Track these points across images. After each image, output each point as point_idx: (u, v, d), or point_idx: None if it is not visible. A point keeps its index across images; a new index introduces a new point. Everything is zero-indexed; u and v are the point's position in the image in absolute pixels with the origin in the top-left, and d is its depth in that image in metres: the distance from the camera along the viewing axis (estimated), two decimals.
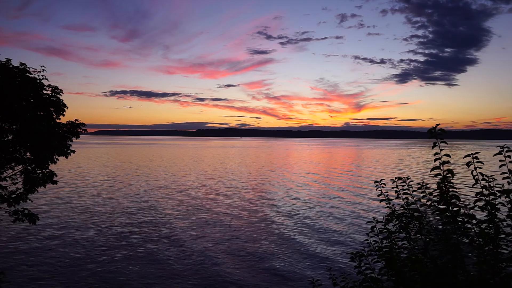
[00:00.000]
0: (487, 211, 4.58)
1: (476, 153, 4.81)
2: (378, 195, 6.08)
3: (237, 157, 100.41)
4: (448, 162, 5.04)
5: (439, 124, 4.94)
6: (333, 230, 23.02)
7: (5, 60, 12.32)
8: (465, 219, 4.83)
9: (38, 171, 12.73)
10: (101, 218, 25.55)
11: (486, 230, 4.53)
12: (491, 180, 4.72)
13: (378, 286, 5.22)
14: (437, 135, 4.96)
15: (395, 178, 5.94)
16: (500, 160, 4.64)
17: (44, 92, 12.90)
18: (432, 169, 5.05)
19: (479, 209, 4.69)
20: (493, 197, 4.62)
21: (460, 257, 4.60)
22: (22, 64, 12.55)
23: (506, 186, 4.58)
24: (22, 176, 12.69)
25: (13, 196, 12.65)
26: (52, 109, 12.94)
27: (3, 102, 11.41)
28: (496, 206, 4.57)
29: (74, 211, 27.42)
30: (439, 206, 4.98)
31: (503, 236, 4.50)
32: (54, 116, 13.07)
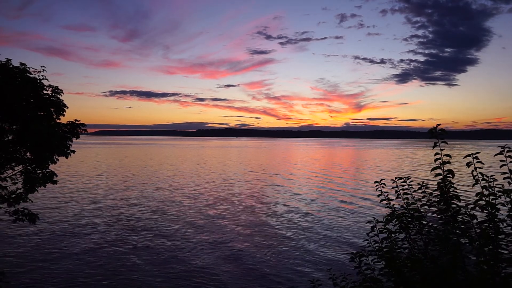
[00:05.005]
0: (487, 211, 4.59)
1: (476, 153, 4.82)
2: (378, 195, 6.08)
3: (235, 157, 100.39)
4: (448, 162, 5.05)
5: (439, 124, 4.95)
6: (333, 230, 23.03)
7: (5, 60, 12.34)
8: (465, 219, 4.85)
9: (38, 171, 12.74)
10: (101, 217, 25.55)
11: (486, 230, 4.54)
12: (491, 180, 4.73)
13: (378, 286, 5.22)
14: (437, 135, 4.97)
15: (395, 178, 5.94)
16: (501, 160, 4.66)
17: (44, 92, 12.92)
18: (432, 169, 5.06)
19: (479, 209, 4.70)
20: (493, 197, 4.63)
21: (460, 257, 4.62)
22: (22, 64, 12.56)
23: (507, 186, 4.60)
24: (22, 176, 12.71)
25: (13, 196, 12.66)
26: (52, 109, 12.96)
27: (3, 102, 11.41)
28: (496, 206, 4.58)
29: (74, 211, 27.41)
30: (439, 206, 4.99)
31: (503, 236, 4.51)
32: (54, 116, 13.08)
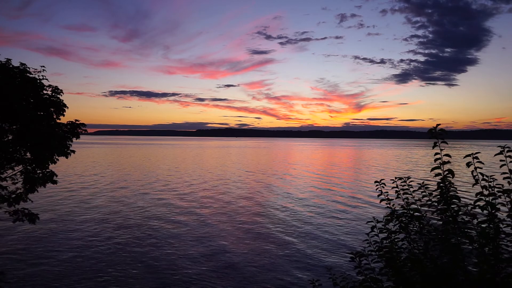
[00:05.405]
0: (487, 211, 4.60)
1: (476, 153, 4.83)
2: (378, 195, 6.08)
3: (234, 157, 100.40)
4: (448, 162, 5.05)
5: (439, 124, 4.95)
6: (333, 230, 23.03)
7: (5, 60, 12.35)
8: (465, 219, 4.85)
9: (38, 171, 12.74)
10: (100, 218, 25.55)
11: (486, 230, 4.54)
12: (491, 180, 4.73)
13: (378, 286, 5.23)
14: (437, 135, 4.97)
15: (395, 178, 5.94)
16: (501, 160, 4.66)
17: (44, 92, 12.92)
18: (432, 169, 5.06)
19: (479, 209, 4.70)
20: (493, 197, 4.63)
21: (460, 257, 4.62)
22: (22, 64, 12.57)
23: (506, 186, 4.60)
24: (22, 176, 12.71)
25: (13, 196, 12.66)
26: (52, 109, 12.96)
27: (3, 102, 11.42)
28: (496, 206, 4.59)
29: (74, 211, 27.42)
30: (439, 206, 5.00)
31: (503, 236, 4.51)
32: (54, 116, 13.09)
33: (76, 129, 13.64)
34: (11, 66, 12.23)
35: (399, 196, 5.69)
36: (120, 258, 17.55)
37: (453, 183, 5.01)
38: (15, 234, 21.00)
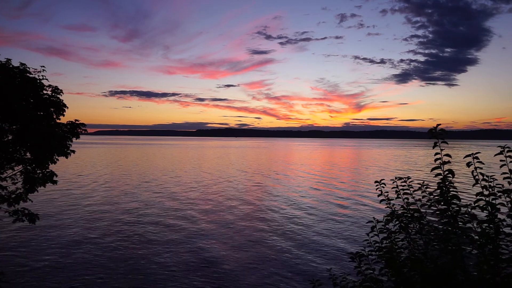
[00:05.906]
0: (487, 211, 4.60)
1: (476, 153, 4.82)
2: (378, 195, 6.08)
3: (234, 157, 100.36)
4: (448, 162, 5.05)
5: (439, 124, 4.95)
6: (332, 231, 23.03)
7: (5, 60, 12.33)
8: (466, 219, 4.85)
9: (38, 171, 12.73)
10: (100, 217, 25.55)
11: (486, 230, 4.54)
12: (491, 180, 4.73)
13: (378, 286, 5.23)
14: (437, 135, 4.97)
15: (395, 178, 5.94)
16: (501, 160, 4.66)
17: (44, 92, 12.90)
18: (432, 169, 5.06)
19: (480, 209, 4.70)
20: (494, 197, 4.63)
21: (460, 257, 4.62)
22: (22, 64, 12.55)
23: (507, 186, 4.60)
24: (22, 176, 12.69)
25: (13, 196, 12.64)
26: (52, 109, 12.94)
27: (3, 102, 11.40)
28: (497, 206, 4.58)
29: (73, 211, 27.42)
30: (440, 206, 4.99)
31: (503, 236, 4.51)
32: (54, 116, 13.07)
33: (76, 129, 13.62)
34: (11, 66, 12.21)
35: (399, 196, 5.68)
36: (114, 259, 17.52)
37: (453, 183, 5.01)
38: (11, 233, 21.00)
